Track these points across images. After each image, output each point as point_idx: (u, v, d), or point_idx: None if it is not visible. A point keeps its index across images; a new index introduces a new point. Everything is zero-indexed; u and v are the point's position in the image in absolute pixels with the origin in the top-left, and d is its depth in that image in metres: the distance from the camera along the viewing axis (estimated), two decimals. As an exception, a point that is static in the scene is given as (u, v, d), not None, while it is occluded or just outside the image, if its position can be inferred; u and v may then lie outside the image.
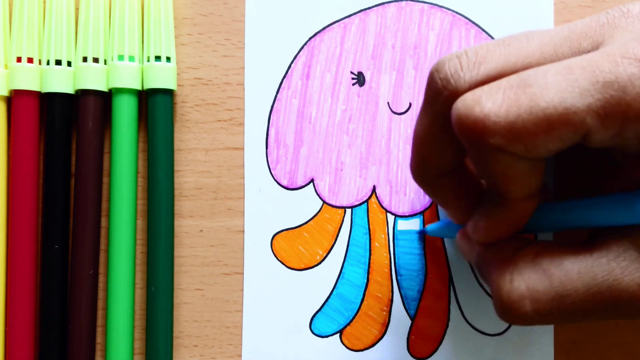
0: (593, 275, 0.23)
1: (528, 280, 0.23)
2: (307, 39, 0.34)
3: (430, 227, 0.33)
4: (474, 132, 0.22)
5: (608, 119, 0.21)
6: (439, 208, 0.33)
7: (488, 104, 0.22)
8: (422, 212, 0.33)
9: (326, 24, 0.34)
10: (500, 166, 0.22)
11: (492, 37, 0.34)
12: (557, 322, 0.24)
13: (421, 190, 0.33)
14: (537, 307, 0.23)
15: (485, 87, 0.22)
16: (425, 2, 0.34)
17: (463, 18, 0.34)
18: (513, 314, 0.24)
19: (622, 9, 0.24)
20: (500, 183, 0.23)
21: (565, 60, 0.22)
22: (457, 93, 0.23)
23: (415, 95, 0.34)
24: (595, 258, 0.23)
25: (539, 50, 0.23)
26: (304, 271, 0.34)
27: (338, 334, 0.33)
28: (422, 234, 0.33)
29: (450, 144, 0.25)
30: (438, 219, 0.33)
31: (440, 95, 0.24)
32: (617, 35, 0.23)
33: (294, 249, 0.34)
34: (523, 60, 0.23)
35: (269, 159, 0.34)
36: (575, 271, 0.23)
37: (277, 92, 0.34)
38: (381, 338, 0.33)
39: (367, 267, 0.33)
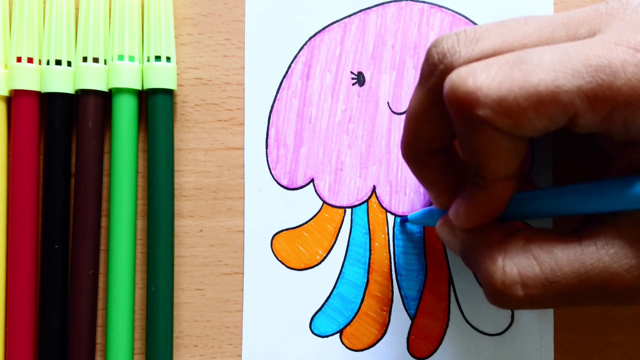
0: (582, 263, 0.23)
1: (519, 266, 0.24)
2: (307, 39, 0.34)
3: (412, 215, 0.32)
4: (464, 103, 0.22)
5: (597, 102, 0.21)
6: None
7: (482, 76, 0.22)
8: (422, 212, 0.33)
9: (326, 24, 0.34)
10: (484, 141, 0.22)
11: (492, 37, 0.34)
12: (549, 306, 0.24)
13: (421, 190, 0.33)
14: (528, 292, 0.23)
15: (481, 62, 0.23)
16: (425, 2, 0.34)
17: (463, 18, 0.34)
18: (505, 299, 0.24)
19: (622, 1, 0.24)
20: (482, 159, 0.23)
21: (562, 43, 0.23)
22: (452, 68, 0.24)
23: (415, 95, 0.34)
24: (585, 246, 0.23)
25: (536, 32, 0.24)
26: (304, 271, 0.34)
27: (338, 334, 0.33)
28: (404, 222, 0.33)
29: (441, 120, 0.25)
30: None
31: (435, 69, 0.24)
32: (614, 24, 0.23)
33: (294, 249, 0.34)
34: (520, 40, 0.24)
35: (269, 158, 0.34)
36: (565, 258, 0.23)
37: (277, 92, 0.34)
38: (381, 338, 0.33)
39: (367, 267, 0.33)
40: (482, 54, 0.23)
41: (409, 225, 0.33)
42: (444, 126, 0.25)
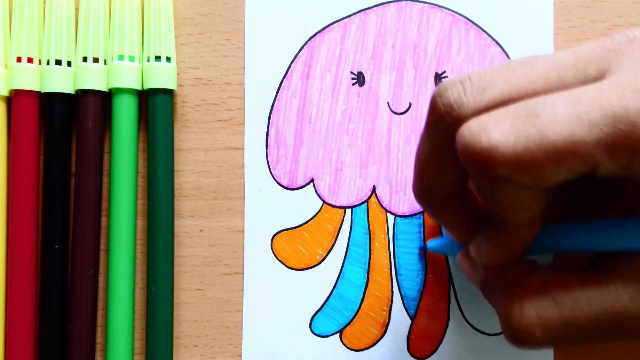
0: (602, 303, 0.23)
1: (538, 308, 0.23)
2: (307, 39, 0.34)
3: (430, 243, 0.32)
4: (481, 162, 0.21)
5: (617, 152, 0.21)
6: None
7: (495, 133, 0.21)
8: (422, 212, 0.33)
9: (326, 24, 0.34)
10: (506, 195, 0.22)
11: (492, 37, 0.34)
12: (567, 345, 0.24)
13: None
14: (547, 334, 0.23)
15: (492, 115, 0.22)
16: (425, 2, 0.34)
17: (463, 18, 0.34)
18: (523, 340, 0.24)
19: (628, 35, 0.23)
20: (504, 210, 0.23)
21: (572, 89, 0.22)
22: (460, 119, 0.23)
23: (415, 95, 0.34)
24: (604, 286, 0.23)
25: (544, 76, 0.23)
26: (304, 271, 0.34)
27: (338, 334, 0.33)
28: (423, 251, 0.33)
29: (454, 168, 0.24)
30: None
31: (443, 121, 0.24)
32: (623, 63, 0.23)
33: (294, 249, 0.34)
34: (528, 86, 0.23)
35: (269, 158, 0.34)
36: (584, 300, 0.23)
37: (277, 92, 0.34)
38: (381, 338, 0.33)
39: (367, 267, 0.33)
40: (490, 104, 0.23)
41: (407, 226, 0.33)
42: (455, 173, 0.25)
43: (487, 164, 0.21)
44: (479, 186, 0.23)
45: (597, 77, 0.23)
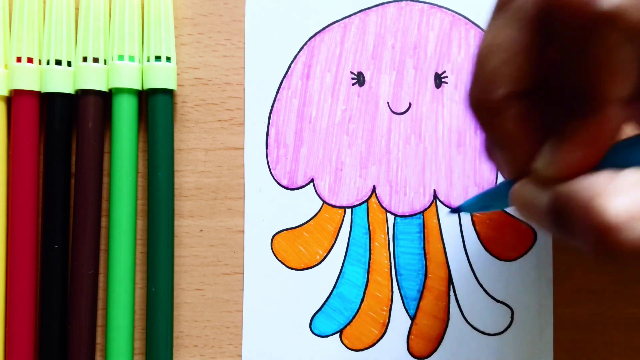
0: None
1: (638, 202, 0.19)
2: (307, 39, 0.34)
3: (466, 202, 0.30)
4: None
5: None
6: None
7: None
8: (421, 212, 0.33)
9: (326, 24, 0.34)
10: (606, 48, 0.19)
11: (492, 37, 0.34)
12: None
13: (421, 190, 0.33)
14: None
15: None
16: (425, 2, 0.34)
17: (463, 18, 0.34)
18: (626, 243, 0.19)
19: None
20: (598, 75, 0.19)
21: None
22: None
23: (415, 95, 0.34)
24: None
25: None
26: (304, 271, 0.34)
27: (338, 334, 0.33)
28: (457, 211, 0.31)
29: (532, 49, 0.21)
30: (437, 218, 0.33)
31: None
32: None
33: (294, 249, 0.34)
34: None
35: (269, 159, 0.34)
36: None
37: (277, 92, 0.34)
38: (381, 338, 0.33)
39: (367, 266, 0.33)
40: None
41: (407, 226, 0.33)
42: (534, 59, 0.21)
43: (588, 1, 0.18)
44: (568, 47, 0.20)
45: None
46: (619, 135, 0.21)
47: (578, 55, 0.19)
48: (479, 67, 0.22)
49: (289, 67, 0.34)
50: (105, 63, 0.33)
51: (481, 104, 0.22)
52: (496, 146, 0.23)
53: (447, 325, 0.33)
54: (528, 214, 0.23)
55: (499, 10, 0.22)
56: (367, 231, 0.34)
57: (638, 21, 0.18)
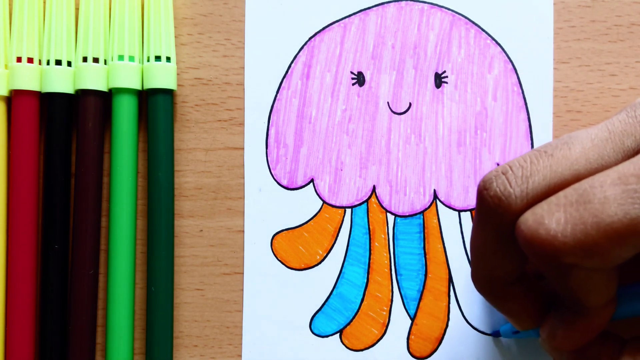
0: None
1: None
2: (307, 39, 0.34)
3: (504, 327, 0.32)
4: (546, 253, 0.22)
5: None
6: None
7: (552, 224, 0.22)
8: (422, 212, 0.33)
9: (326, 24, 0.34)
10: (579, 280, 0.22)
11: (492, 37, 0.34)
12: None
13: (421, 190, 0.33)
14: None
15: (544, 205, 0.23)
16: (425, 2, 0.34)
17: (463, 18, 0.34)
18: None
19: None
20: (580, 295, 0.23)
21: (614, 167, 0.22)
22: (510, 209, 0.24)
23: (415, 95, 0.34)
24: None
25: (583, 157, 0.23)
26: (304, 271, 0.34)
27: (338, 334, 0.33)
28: (497, 335, 0.33)
29: (515, 254, 0.25)
30: (437, 218, 0.33)
31: (494, 213, 0.24)
32: None
33: (294, 248, 0.34)
34: (569, 168, 0.23)
35: (269, 158, 0.34)
36: None
37: (277, 92, 0.34)
38: (381, 338, 0.33)
39: (367, 267, 0.33)
40: (537, 190, 0.23)
41: (407, 226, 0.33)
42: (518, 259, 0.25)
43: (553, 254, 0.22)
44: (550, 276, 0.23)
45: (635, 147, 0.23)
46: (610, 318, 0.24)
47: (559, 283, 0.23)
48: (475, 266, 0.26)
49: (289, 67, 0.34)
50: (105, 63, 0.33)
51: (486, 292, 0.26)
52: (506, 317, 0.27)
53: (447, 325, 0.33)
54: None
55: (480, 222, 0.25)
56: (367, 231, 0.34)
57: (601, 265, 0.22)
